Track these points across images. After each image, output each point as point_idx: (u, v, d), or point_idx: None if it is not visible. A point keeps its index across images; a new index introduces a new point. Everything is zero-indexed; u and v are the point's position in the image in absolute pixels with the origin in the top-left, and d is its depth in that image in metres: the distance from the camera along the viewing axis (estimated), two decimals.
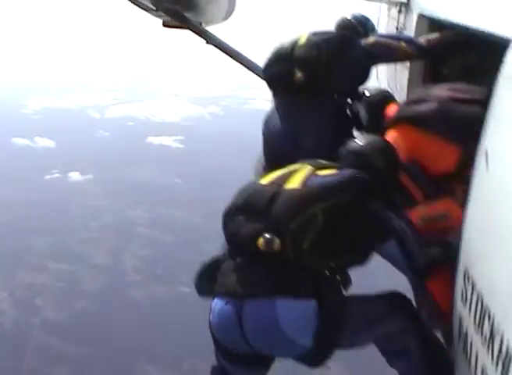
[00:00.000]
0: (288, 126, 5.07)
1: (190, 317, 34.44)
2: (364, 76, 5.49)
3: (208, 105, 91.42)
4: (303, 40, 5.31)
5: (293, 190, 3.56)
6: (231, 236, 3.79)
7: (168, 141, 71.17)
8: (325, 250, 3.46)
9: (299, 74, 5.03)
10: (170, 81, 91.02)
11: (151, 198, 53.90)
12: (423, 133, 4.17)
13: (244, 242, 3.60)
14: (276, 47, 5.52)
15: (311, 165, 3.83)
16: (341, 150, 4.04)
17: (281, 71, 5.26)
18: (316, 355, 3.48)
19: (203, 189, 55.55)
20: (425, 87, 4.81)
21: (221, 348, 3.81)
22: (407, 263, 3.62)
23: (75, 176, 59.55)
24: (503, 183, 2.75)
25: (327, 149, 4.39)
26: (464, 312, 3.24)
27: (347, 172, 3.72)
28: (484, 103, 3.05)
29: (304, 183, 3.60)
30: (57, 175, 59.79)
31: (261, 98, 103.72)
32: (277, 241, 3.35)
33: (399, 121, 4.42)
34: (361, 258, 3.66)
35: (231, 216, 3.83)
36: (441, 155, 4.18)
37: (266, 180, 3.83)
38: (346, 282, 3.67)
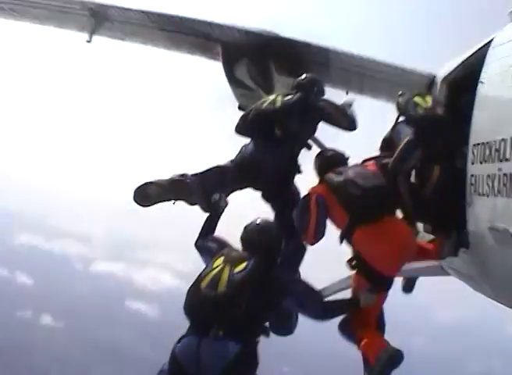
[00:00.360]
0: (260, 154, 6.34)
1: None
2: (314, 131, 6.81)
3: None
4: (278, 99, 6.59)
5: (223, 293, 4.75)
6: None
7: (145, 307, 70.49)
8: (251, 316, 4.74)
9: (278, 131, 6.36)
10: (162, 250, 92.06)
11: (121, 363, 52.28)
12: (332, 196, 5.60)
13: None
14: (257, 106, 6.73)
15: (229, 262, 4.96)
16: (243, 232, 5.33)
17: (264, 126, 6.47)
18: None
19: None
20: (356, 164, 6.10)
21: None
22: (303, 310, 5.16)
23: (47, 319, 58.62)
24: None
25: (275, 176, 6.33)
26: None
27: (251, 265, 4.85)
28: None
29: (228, 283, 4.77)
30: (29, 314, 58.67)
31: None
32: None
33: (324, 180, 5.84)
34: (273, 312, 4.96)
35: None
36: (336, 215, 5.65)
37: (204, 284, 4.91)
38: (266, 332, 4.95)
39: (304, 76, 6.76)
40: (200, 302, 4.81)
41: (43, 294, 63.86)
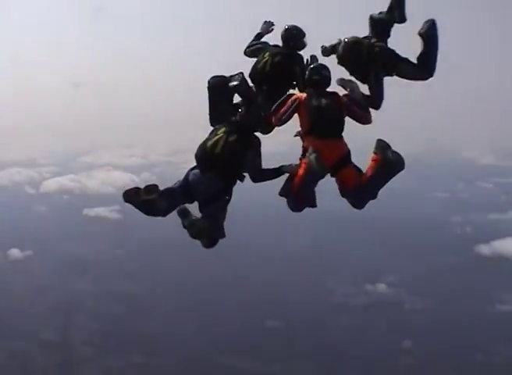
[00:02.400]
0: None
1: None
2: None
3: (142, 173, 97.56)
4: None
5: (218, 153, 7.49)
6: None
7: (105, 212, 73.09)
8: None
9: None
10: (102, 151, 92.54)
11: (93, 271, 55.33)
12: (306, 107, 7.71)
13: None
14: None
15: (226, 133, 7.59)
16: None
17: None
18: None
19: (144, 259, 58.17)
20: None
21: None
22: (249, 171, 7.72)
23: (15, 253, 60.16)
24: None
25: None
26: None
27: (236, 140, 7.53)
28: None
29: (223, 147, 7.51)
30: None
31: (192, 162, 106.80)
32: None
33: (308, 93, 7.82)
34: None
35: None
36: (302, 119, 7.70)
37: (209, 144, 7.59)
38: (241, 178, 7.74)
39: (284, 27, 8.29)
40: (205, 155, 7.47)
41: (5, 230, 65.55)
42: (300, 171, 7.24)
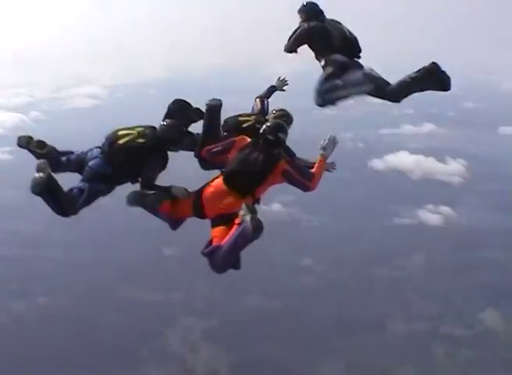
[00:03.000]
0: None
1: (53, 329, 36.60)
2: None
3: (30, 112, 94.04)
4: None
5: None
6: None
7: None
8: None
9: None
10: None
11: None
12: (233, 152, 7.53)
13: None
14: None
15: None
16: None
17: None
18: None
19: (38, 198, 54.59)
20: None
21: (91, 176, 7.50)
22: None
23: None
24: None
25: None
26: None
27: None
28: None
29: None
30: None
31: (78, 96, 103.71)
32: None
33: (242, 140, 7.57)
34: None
35: None
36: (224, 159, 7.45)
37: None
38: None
39: None
40: (109, 140, 7.40)
41: None
42: (231, 230, 6.88)
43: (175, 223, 7.91)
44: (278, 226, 50.32)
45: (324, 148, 7.52)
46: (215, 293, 40.92)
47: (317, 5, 8.27)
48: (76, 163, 7.57)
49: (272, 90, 9.21)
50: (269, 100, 9.19)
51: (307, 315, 38.14)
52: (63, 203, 7.44)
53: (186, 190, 7.45)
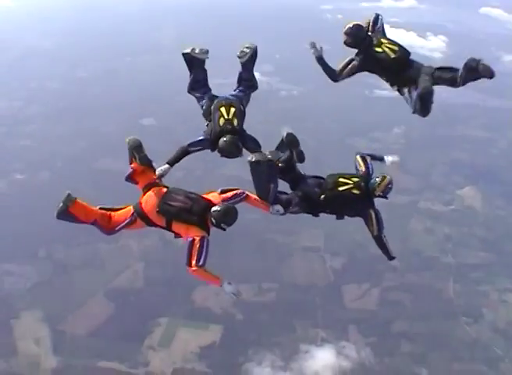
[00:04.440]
0: None
1: (33, 205, 35.92)
2: None
3: None
4: None
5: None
6: None
7: None
8: None
9: None
10: None
11: None
12: None
13: None
14: None
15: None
16: None
17: None
18: None
19: None
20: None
21: None
22: None
23: None
24: None
25: None
26: None
27: None
28: None
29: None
30: None
31: None
32: None
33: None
34: None
35: None
36: None
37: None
38: None
39: None
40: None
41: None
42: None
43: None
44: (257, 95, 48.51)
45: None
46: (193, 163, 39.56)
47: (362, 30, 8.25)
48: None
49: (377, 158, 8.90)
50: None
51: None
52: None
53: None
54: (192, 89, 8.53)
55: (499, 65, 60.32)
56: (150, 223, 7.54)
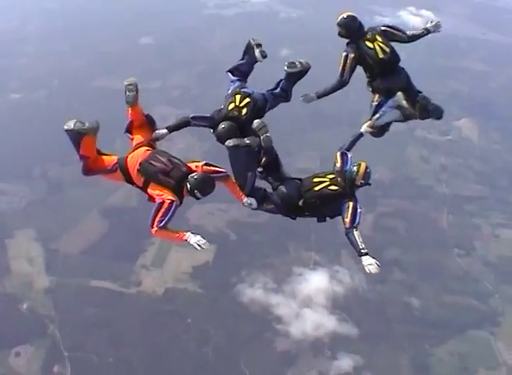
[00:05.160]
0: None
1: (29, 125, 35.87)
2: None
3: None
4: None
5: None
6: None
7: None
8: None
9: None
10: None
11: None
12: None
13: None
14: None
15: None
16: None
17: None
18: None
19: None
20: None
21: None
22: None
23: None
24: None
25: None
26: None
27: None
28: None
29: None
30: None
31: None
32: None
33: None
34: None
35: None
36: None
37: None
38: None
39: None
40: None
41: None
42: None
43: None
44: (256, 17, 48.00)
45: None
46: (190, 83, 39.80)
47: (355, 21, 7.83)
48: None
49: (357, 138, 8.17)
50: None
51: (284, 110, 36.46)
52: None
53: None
54: (231, 70, 8.05)
55: (502, 0, 59.30)
56: (128, 179, 7.29)
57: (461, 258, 31.95)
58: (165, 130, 7.51)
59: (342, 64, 7.93)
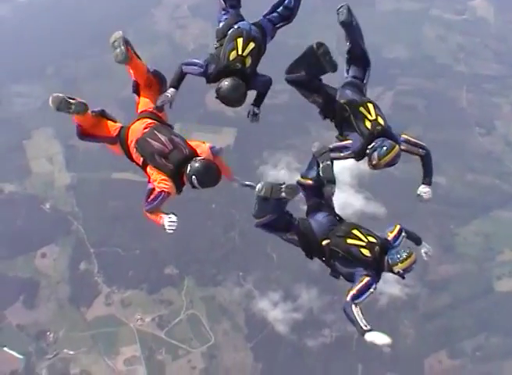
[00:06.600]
0: None
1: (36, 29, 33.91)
2: None
3: None
4: None
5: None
6: None
7: None
8: None
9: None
10: None
11: None
12: None
13: None
14: None
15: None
16: None
17: None
18: None
19: None
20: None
21: None
22: None
23: None
24: None
25: None
26: None
27: None
28: None
29: None
30: None
31: None
32: None
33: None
34: None
35: None
36: None
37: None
38: None
39: None
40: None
41: None
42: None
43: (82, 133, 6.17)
44: None
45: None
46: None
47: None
48: None
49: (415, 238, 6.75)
50: None
51: None
52: None
53: None
54: None
55: None
56: (128, 155, 6.09)
57: (482, 137, 31.45)
58: (173, 90, 6.23)
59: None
